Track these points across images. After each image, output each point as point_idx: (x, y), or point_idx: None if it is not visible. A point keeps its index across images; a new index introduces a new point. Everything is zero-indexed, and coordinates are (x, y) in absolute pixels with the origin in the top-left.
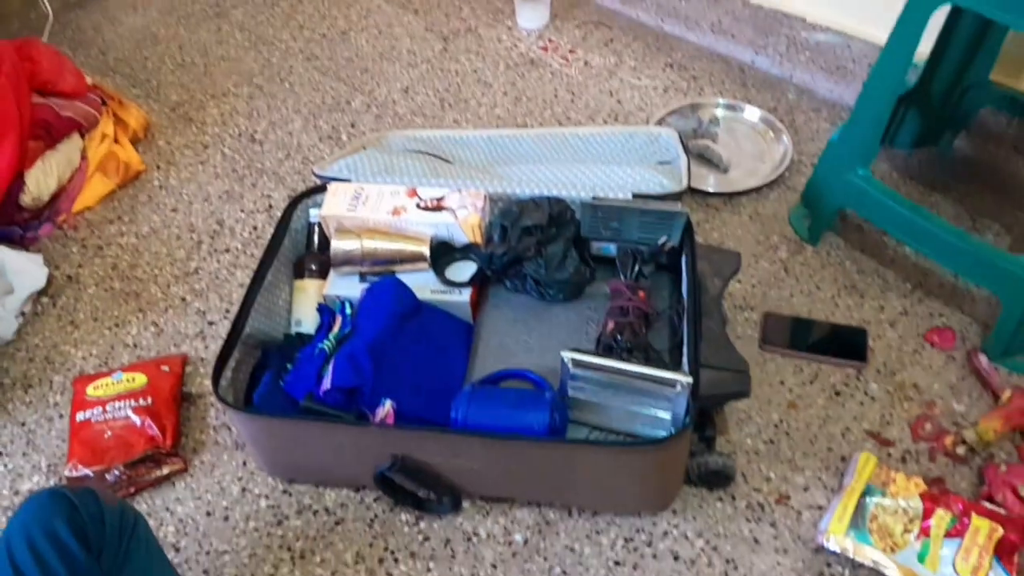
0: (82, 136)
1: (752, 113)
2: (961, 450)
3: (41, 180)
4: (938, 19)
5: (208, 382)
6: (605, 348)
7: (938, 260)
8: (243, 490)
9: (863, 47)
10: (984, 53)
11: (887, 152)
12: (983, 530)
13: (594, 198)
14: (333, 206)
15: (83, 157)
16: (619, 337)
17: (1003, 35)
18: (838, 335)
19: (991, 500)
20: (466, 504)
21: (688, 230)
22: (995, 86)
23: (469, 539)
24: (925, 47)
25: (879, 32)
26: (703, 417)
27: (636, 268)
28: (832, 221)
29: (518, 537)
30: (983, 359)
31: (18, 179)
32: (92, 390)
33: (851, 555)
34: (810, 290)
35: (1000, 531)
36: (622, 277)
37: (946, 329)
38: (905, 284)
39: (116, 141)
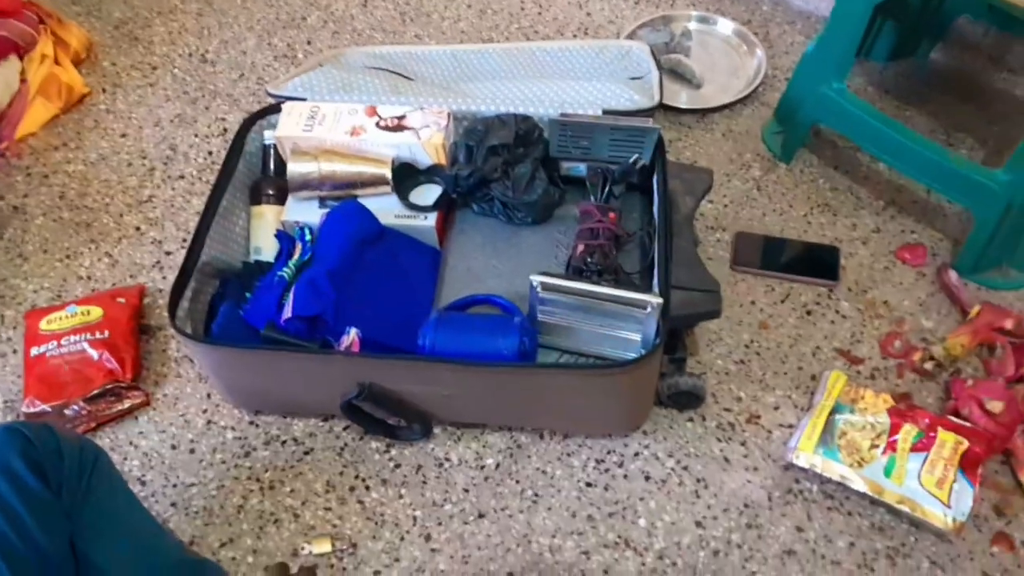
0: (20, 58)
1: (725, 26)
2: (929, 366)
3: None
4: None
5: (167, 313)
6: (575, 271)
7: (912, 175)
8: (208, 422)
9: None
10: None
11: (863, 65)
12: (949, 443)
13: (562, 115)
14: (288, 127)
15: (22, 80)
16: (589, 260)
17: None
18: (810, 254)
19: (957, 414)
20: (437, 430)
21: (660, 147)
22: None
23: (441, 465)
24: None
25: None
26: (674, 338)
27: (607, 189)
28: (806, 137)
29: (490, 461)
30: (953, 275)
31: None
32: (45, 324)
33: (819, 471)
34: (783, 209)
35: (965, 444)
36: (592, 198)
37: (918, 246)
38: (878, 201)
39: (57, 62)
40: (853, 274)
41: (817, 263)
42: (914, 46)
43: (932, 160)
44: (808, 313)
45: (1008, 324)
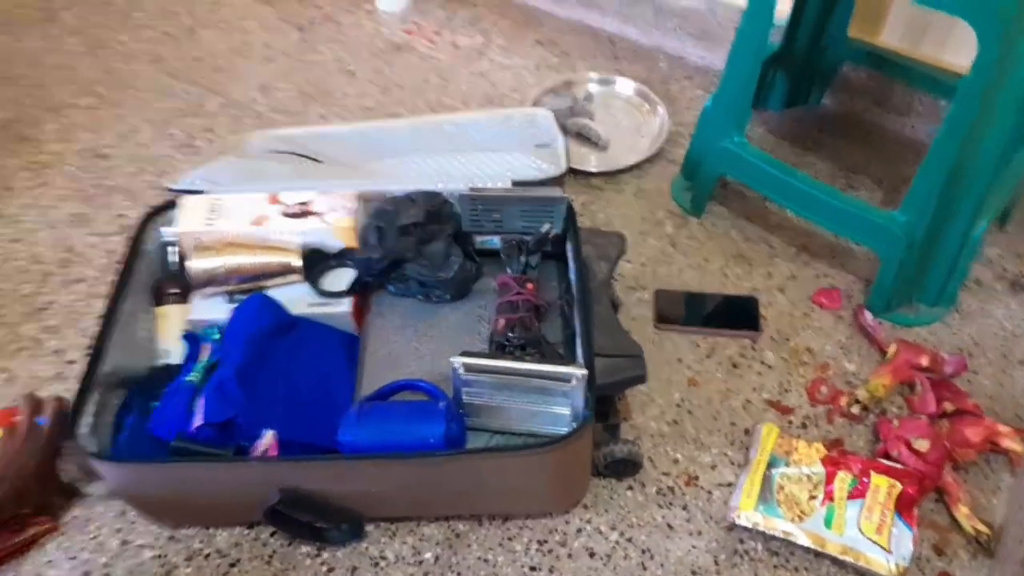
0: None
1: (626, 86)
2: (856, 409)
3: None
4: None
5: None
6: (498, 346)
7: (816, 221)
8: (123, 542)
9: (727, 11)
10: (840, 9)
11: (761, 115)
12: (882, 487)
13: (472, 189)
14: (188, 222)
15: None
16: (511, 334)
17: None
18: (730, 306)
19: (888, 456)
20: (369, 527)
21: (571, 215)
22: (853, 42)
23: (376, 564)
24: (785, 7)
25: None
26: (604, 406)
27: (522, 259)
28: (713, 190)
29: (428, 555)
30: (868, 316)
31: None
32: None
33: (762, 528)
34: (699, 263)
35: (899, 486)
36: (508, 270)
37: (832, 289)
38: (790, 248)
39: None
40: (774, 323)
41: (738, 315)
42: (806, 94)
43: (833, 205)
44: (735, 366)
45: (924, 361)
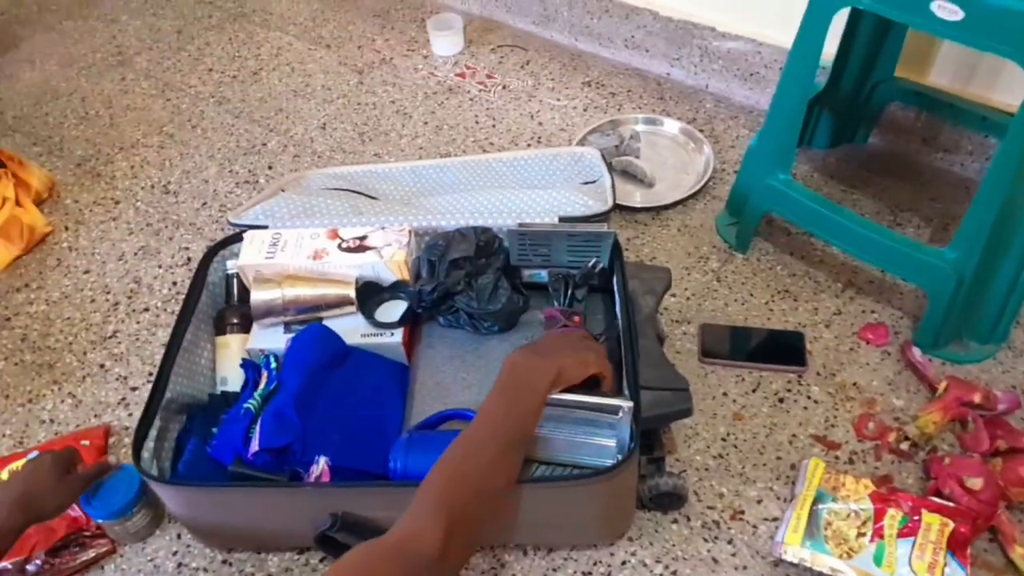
0: None
1: (672, 125)
2: (905, 446)
3: None
4: (840, 20)
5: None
6: None
7: (863, 258)
8: (179, 565)
9: (773, 52)
10: (887, 50)
11: (806, 153)
12: (934, 526)
13: (520, 225)
14: (250, 255)
15: None
16: None
17: (903, 32)
18: (776, 341)
19: (939, 494)
20: None
21: (616, 250)
22: (901, 81)
23: None
24: (831, 48)
25: (786, 37)
26: (650, 438)
27: (569, 293)
28: (758, 227)
29: None
30: (916, 352)
31: None
32: (6, 474)
33: (809, 565)
34: (744, 298)
35: (951, 525)
36: (556, 303)
37: (879, 325)
38: (836, 284)
39: (18, 204)
40: (820, 358)
41: (784, 350)
42: (852, 132)
43: (881, 242)
44: (780, 401)
45: (976, 398)
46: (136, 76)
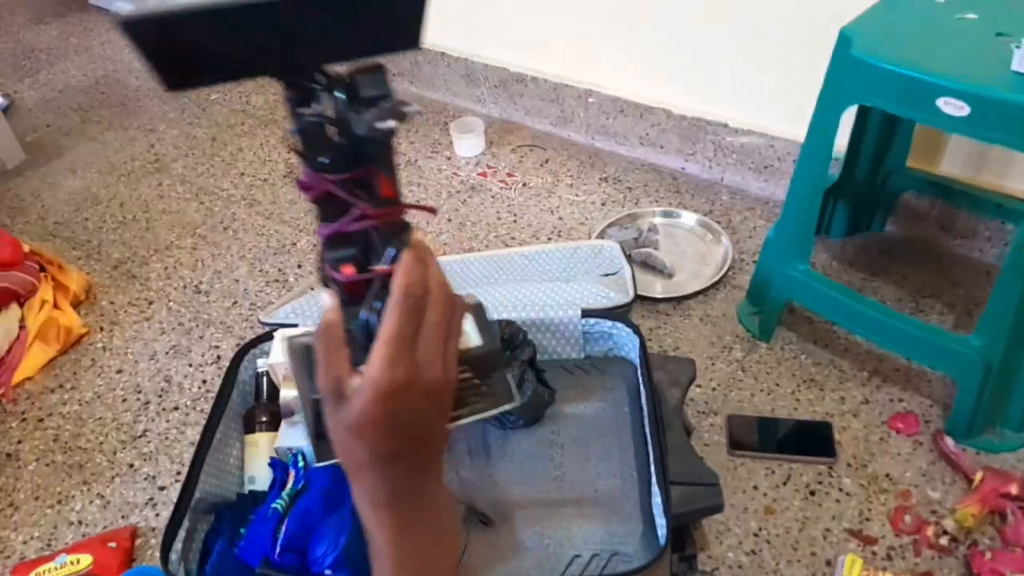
0: (20, 305)
1: (689, 218)
2: (944, 540)
3: None
4: (850, 113)
5: (159, 556)
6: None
7: (887, 346)
8: None
9: (786, 145)
10: (898, 142)
11: (824, 242)
12: None
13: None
14: (279, 353)
15: (22, 327)
16: None
17: (913, 124)
18: (804, 431)
19: None
20: None
21: (641, 345)
22: (913, 171)
23: None
24: (843, 140)
25: (798, 131)
26: (681, 535)
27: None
28: (780, 316)
29: None
30: (949, 442)
31: None
32: None
33: None
34: (770, 388)
35: None
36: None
37: (908, 414)
38: (861, 372)
39: (56, 306)
40: (850, 448)
41: (812, 440)
42: (868, 221)
43: (904, 330)
44: (812, 494)
45: (1014, 489)
46: (172, 181)
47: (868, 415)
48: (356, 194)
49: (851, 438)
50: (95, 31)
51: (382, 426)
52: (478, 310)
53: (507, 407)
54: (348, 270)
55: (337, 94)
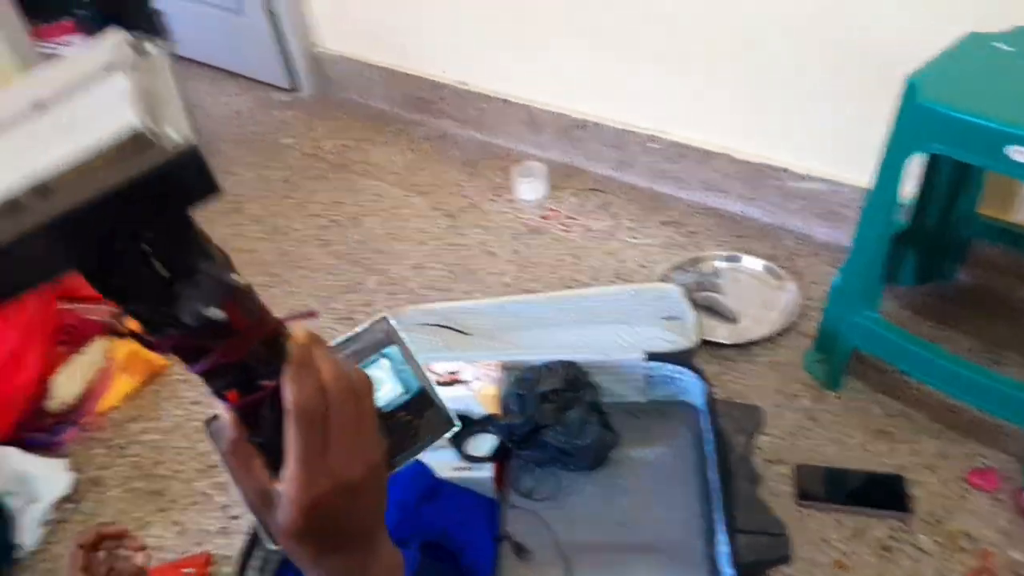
0: (107, 338)
1: (753, 262)
2: None
3: (66, 384)
4: (919, 159)
5: None
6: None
7: (962, 398)
8: None
9: (852, 192)
10: (968, 189)
11: (893, 290)
12: None
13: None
14: None
15: (108, 358)
16: None
17: (983, 171)
18: (876, 483)
19: None
20: None
21: (705, 390)
22: (985, 219)
23: None
24: (911, 186)
25: (864, 177)
26: None
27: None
28: (849, 364)
29: None
30: None
31: (42, 385)
32: None
33: None
34: (839, 438)
35: None
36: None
37: (987, 470)
38: (935, 424)
39: None
40: (925, 504)
41: (884, 493)
42: (939, 269)
43: (980, 382)
44: (886, 550)
45: None
46: (247, 221)
47: (943, 469)
48: (204, 342)
49: (926, 493)
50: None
51: (313, 533)
52: (389, 339)
53: (447, 434)
54: (232, 396)
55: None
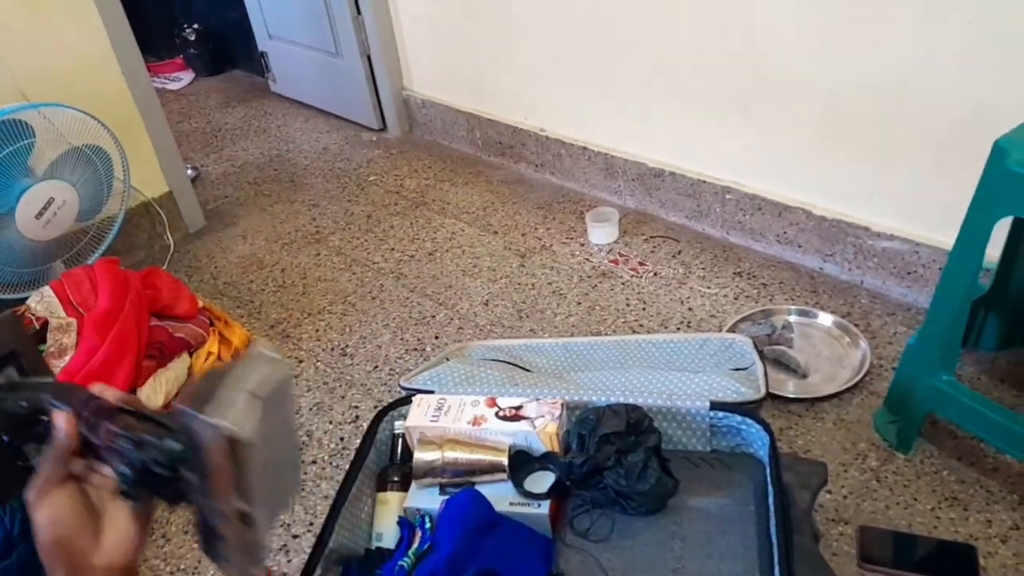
0: (190, 354)
1: (825, 318)
2: None
3: (151, 396)
4: (1004, 223)
5: None
6: None
7: None
8: None
9: (931, 252)
10: None
11: (973, 354)
12: None
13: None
14: (416, 417)
15: (189, 374)
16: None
17: None
18: (945, 552)
19: None
20: None
21: (771, 442)
22: None
23: None
24: (995, 250)
25: (946, 239)
26: None
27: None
28: (921, 427)
29: None
30: None
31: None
32: None
33: None
34: (907, 502)
35: None
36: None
37: None
38: (1012, 495)
39: (219, 358)
40: None
41: (954, 563)
42: (1022, 335)
43: None
44: None
45: None
46: (329, 252)
47: (1019, 542)
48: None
49: (998, 565)
50: (273, 115)
51: None
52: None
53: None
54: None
55: None
